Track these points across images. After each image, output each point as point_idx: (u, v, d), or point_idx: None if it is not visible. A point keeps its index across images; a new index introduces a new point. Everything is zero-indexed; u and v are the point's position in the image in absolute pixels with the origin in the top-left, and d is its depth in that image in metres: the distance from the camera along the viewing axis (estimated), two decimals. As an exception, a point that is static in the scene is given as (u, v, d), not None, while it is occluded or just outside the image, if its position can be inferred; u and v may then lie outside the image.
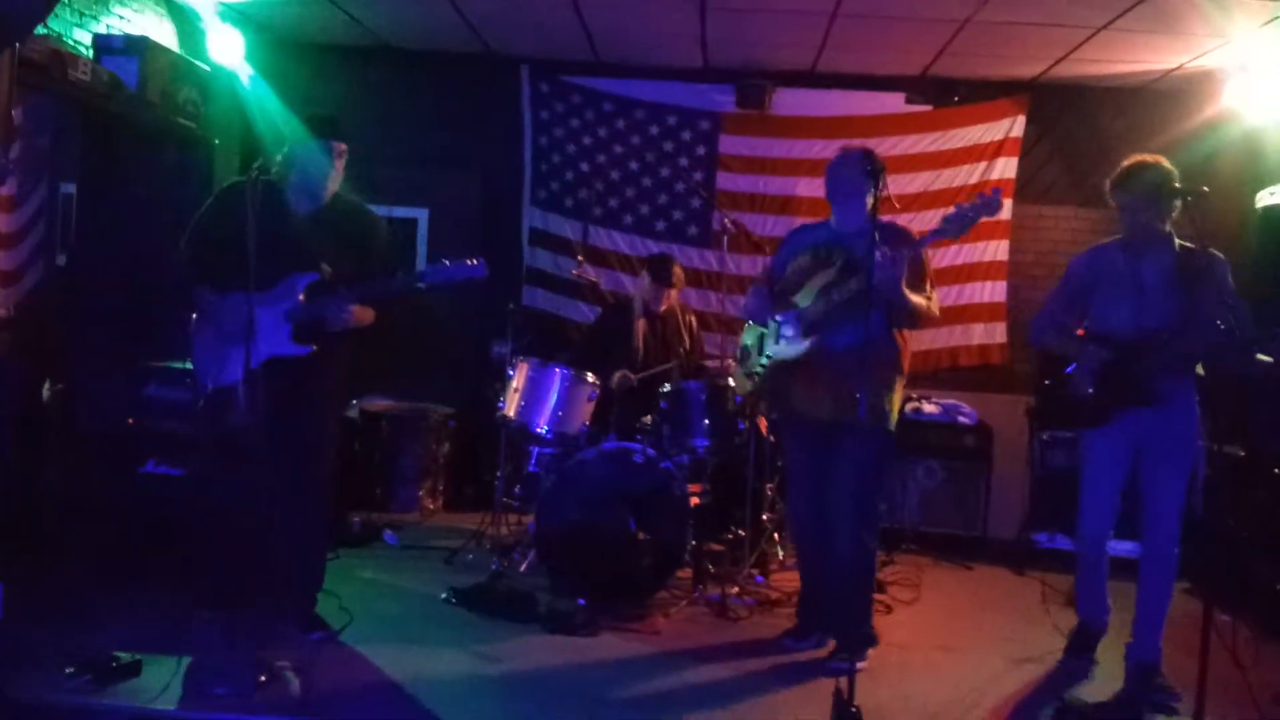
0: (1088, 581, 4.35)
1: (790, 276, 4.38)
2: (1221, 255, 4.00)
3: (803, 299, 4.25)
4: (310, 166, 3.98)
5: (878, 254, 3.80)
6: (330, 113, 4.15)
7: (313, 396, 4.08)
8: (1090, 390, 4.06)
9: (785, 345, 4.30)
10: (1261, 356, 3.74)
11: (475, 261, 3.93)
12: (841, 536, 4.20)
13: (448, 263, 3.94)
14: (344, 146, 4.05)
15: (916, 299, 4.15)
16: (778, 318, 4.35)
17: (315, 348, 3.97)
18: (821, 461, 4.27)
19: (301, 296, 3.94)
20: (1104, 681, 4.12)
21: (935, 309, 4.29)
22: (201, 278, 3.96)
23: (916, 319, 4.23)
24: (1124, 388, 3.98)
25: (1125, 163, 4.09)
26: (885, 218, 4.02)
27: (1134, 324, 4.00)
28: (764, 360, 4.40)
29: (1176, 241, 4.06)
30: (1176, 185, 3.92)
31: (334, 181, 4.05)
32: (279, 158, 4.05)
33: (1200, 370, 4.01)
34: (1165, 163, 4.01)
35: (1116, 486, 4.14)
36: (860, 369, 3.75)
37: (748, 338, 4.64)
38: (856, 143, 7.00)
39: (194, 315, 4.02)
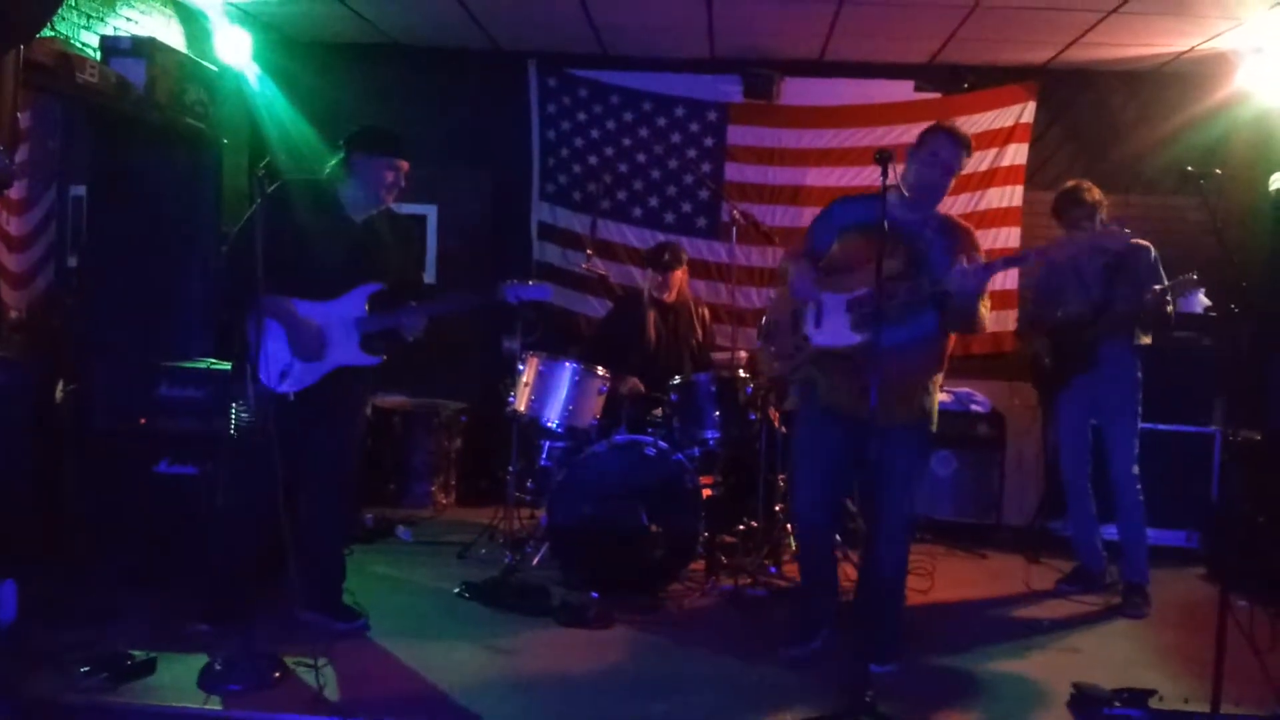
0: (1079, 528, 5.18)
1: (838, 254, 4.00)
2: (1145, 243, 4.95)
3: (853, 284, 3.90)
4: (373, 179, 3.98)
5: (962, 262, 3.78)
6: (391, 129, 4.20)
7: (355, 401, 4.18)
8: (1048, 364, 5.18)
9: (830, 333, 3.95)
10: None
11: (543, 284, 4.30)
12: (892, 541, 4.03)
13: (526, 283, 4.21)
14: (406, 164, 4.08)
15: (984, 310, 3.95)
16: (821, 297, 3.99)
17: (385, 358, 4.06)
18: (850, 460, 4.03)
19: (366, 307, 3.98)
20: (1118, 667, 4.10)
21: (988, 321, 4.09)
22: (271, 283, 3.78)
23: (976, 330, 4.07)
24: (1071, 358, 5.02)
25: (1068, 185, 5.06)
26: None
27: (1079, 309, 4.99)
28: (804, 340, 4.04)
29: None
30: (1103, 205, 4.96)
31: (393, 195, 4.07)
32: (334, 162, 4.04)
33: (1148, 340, 4.99)
34: (1088, 185, 4.99)
35: (1085, 440, 5.08)
36: (913, 369, 3.88)
37: (776, 314, 4.30)
38: (865, 130, 7.02)
39: (260, 315, 3.83)
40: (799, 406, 4.25)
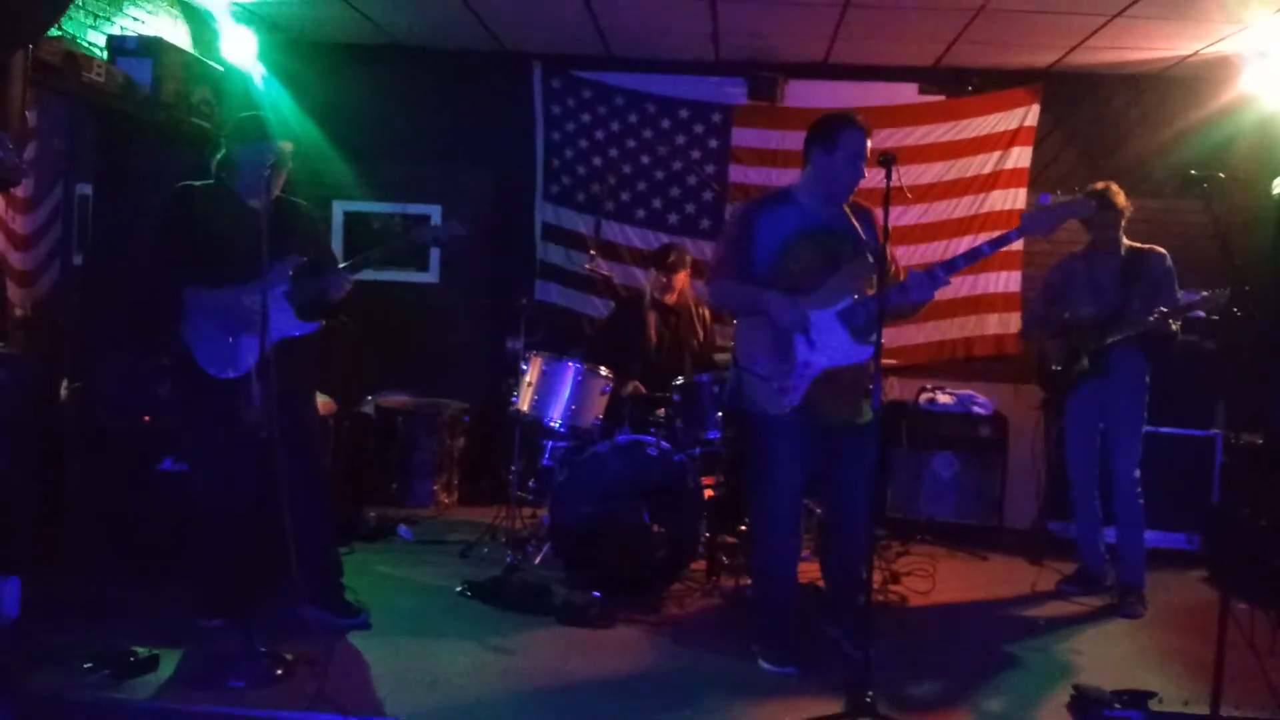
0: (1084, 530, 5.19)
1: (798, 271, 3.91)
2: (1163, 252, 4.99)
3: (830, 295, 3.86)
4: (256, 165, 4.00)
5: (936, 271, 3.82)
6: (258, 113, 4.27)
7: (307, 385, 4.27)
8: (1058, 367, 5.12)
9: (831, 351, 3.85)
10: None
11: (453, 222, 4.25)
12: (864, 533, 3.97)
13: (430, 226, 4.23)
14: (290, 145, 4.17)
15: None
16: (808, 317, 3.88)
17: (323, 323, 4.15)
18: (818, 465, 4.06)
19: (291, 277, 4.06)
20: (1119, 669, 4.11)
21: None
22: (189, 279, 3.98)
23: None
24: (1084, 360, 5.01)
25: (1098, 187, 4.97)
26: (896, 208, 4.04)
27: (1093, 314, 4.98)
28: (805, 366, 3.90)
29: (1125, 245, 5.02)
30: (1126, 205, 4.97)
31: (282, 179, 4.13)
32: (219, 158, 4.11)
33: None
34: (1107, 184, 4.98)
35: (1092, 442, 5.10)
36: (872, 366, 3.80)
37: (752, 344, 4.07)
38: (873, 134, 7.05)
39: (184, 313, 4.02)
40: (771, 417, 3.99)
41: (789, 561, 4.16)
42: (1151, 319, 4.72)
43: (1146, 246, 5.02)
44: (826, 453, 4.06)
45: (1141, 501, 4.96)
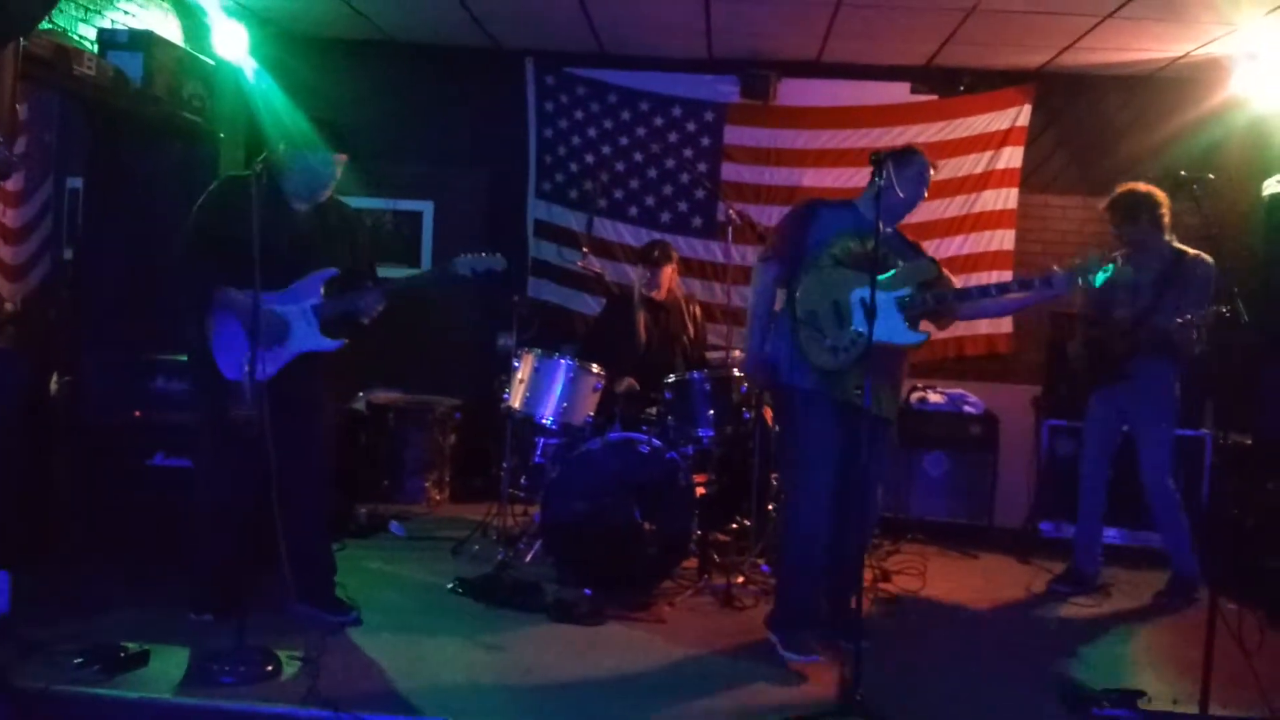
0: (1084, 527, 5.18)
1: (841, 256, 4.10)
2: (1208, 259, 4.88)
3: (893, 283, 4.05)
4: (314, 171, 4.03)
5: (990, 289, 4.25)
6: (338, 123, 4.23)
7: (320, 390, 4.22)
8: (1090, 369, 5.10)
9: (888, 328, 3.97)
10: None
11: (495, 255, 4.17)
12: (867, 526, 4.20)
13: (470, 256, 4.14)
14: (345, 156, 4.15)
15: None
16: (861, 295, 3.95)
17: (346, 340, 4.10)
18: (844, 451, 4.10)
19: (322, 292, 4.03)
20: (1108, 668, 4.12)
21: None
22: (217, 272, 3.94)
23: None
24: (1105, 365, 5.00)
25: (1116, 191, 5.01)
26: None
27: (1126, 315, 4.92)
28: (856, 335, 4.00)
29: (1173, 245, 4.95)
30: (1161, 207, 4.91)
31: (331, 187, 4.14)
32: (275, 155, 4.08)
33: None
34: (1146, 188, 4.96)
35: (1110, 443, 5.11)
36: (908, 367, 4.17)
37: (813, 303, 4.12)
38: (862, 131, 7.04)
39: (212, 308, 3.99)
40: (806, 399, 4.10)
41: (818, 543, 4.10)
42: (1179, 321, 4.67)
43: (1194, 252, 4.94)
44: (848, 444, 4.05)
45: (1178, 498, 4.99)
